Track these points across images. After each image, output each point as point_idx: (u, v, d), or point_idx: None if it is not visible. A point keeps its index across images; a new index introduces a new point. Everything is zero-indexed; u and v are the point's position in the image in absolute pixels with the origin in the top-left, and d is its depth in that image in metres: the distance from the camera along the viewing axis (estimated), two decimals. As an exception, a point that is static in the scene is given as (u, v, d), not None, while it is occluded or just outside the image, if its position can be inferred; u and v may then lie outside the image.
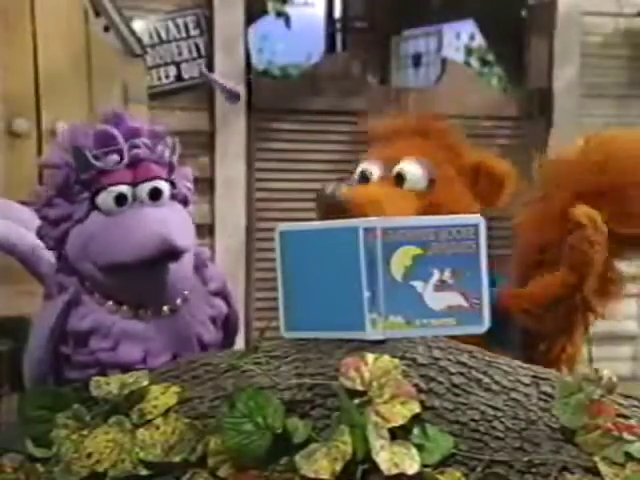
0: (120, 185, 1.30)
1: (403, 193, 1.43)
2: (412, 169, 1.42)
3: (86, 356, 1.30)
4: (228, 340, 1.41)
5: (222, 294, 1.41)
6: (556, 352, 1.44)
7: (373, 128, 1.55)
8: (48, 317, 1.33)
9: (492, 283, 1.30)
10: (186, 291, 1.37)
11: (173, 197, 1.36)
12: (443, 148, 1.49)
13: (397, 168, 1.44)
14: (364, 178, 1.49)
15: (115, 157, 1.30)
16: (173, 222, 1.32)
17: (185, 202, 1.39)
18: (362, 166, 1.49)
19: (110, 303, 1.33)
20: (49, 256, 1.39)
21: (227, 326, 1.42)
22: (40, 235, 1.36)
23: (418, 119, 1.53)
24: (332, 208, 1.38)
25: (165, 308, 1.35)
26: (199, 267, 1.40)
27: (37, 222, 1.37)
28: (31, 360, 1.34)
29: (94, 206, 1.31)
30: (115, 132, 1.32)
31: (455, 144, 1.50)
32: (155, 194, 1.32)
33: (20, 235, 1.44)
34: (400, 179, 1.45)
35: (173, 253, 1.30)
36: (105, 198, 1.30)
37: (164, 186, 1.33)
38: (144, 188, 1.31)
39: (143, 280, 1.31)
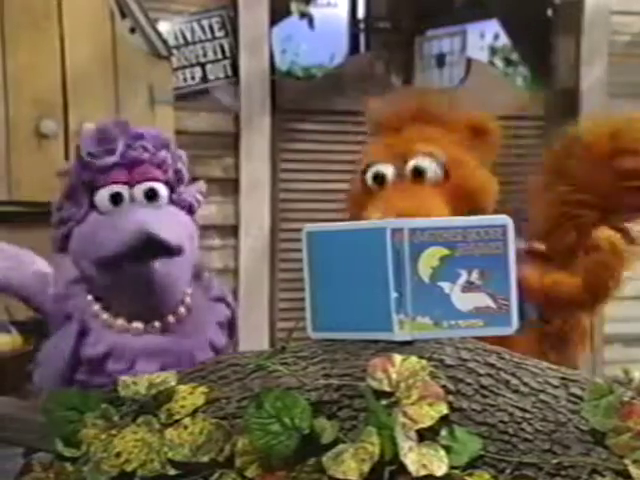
0: (116, 184, 1.32)
1: (427, 191, 1.42)
2: (427, 163, 1.42)
3: (105, 379, 1.31)
4: (231, 344, 1.43)
5: (223, 300, 1.43)
6: (570, 326, 1.47)
7: (373, 120, 1.55)
8: (60, 348, 1.33)
9: None
10: (188, 298, 1.38)
11: (175, 203, 1.36)
12: (441, 125, 1.49)
13: (411, 165, 1.44)
14: (379, 180, 1.48)
15: (112, 157, 1.31)
16: (162, 219, 1.31)
17: (190, 210, 1.39)
18: (374, 169, 1.48)
19: (120, 322, 1.34)
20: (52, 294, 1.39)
21: (230, 331, 1.43)
22: (53, 242, 1.37)
23: (412, 105, 1.53)
24: None
25: (171, 318, 1.35)
26: (198, 276, 1.41)
27: (41, 263, 1.39)
28: (44, 388, 1.35)
29: (93, 206, 1.32)
30: (113, 131, 1.33)
31: (441, 116, 1.50)
32: (151, 195, 1.32)
33: (23, 276, 1.42)
34: (418, 174, 1.44)
35: (154, 244, 1.28)
36: (101, 197, 1.32)
37: (161, 188, 1.33)
38: (140, 189, 1.32)
39: (133, 277, 1.30)
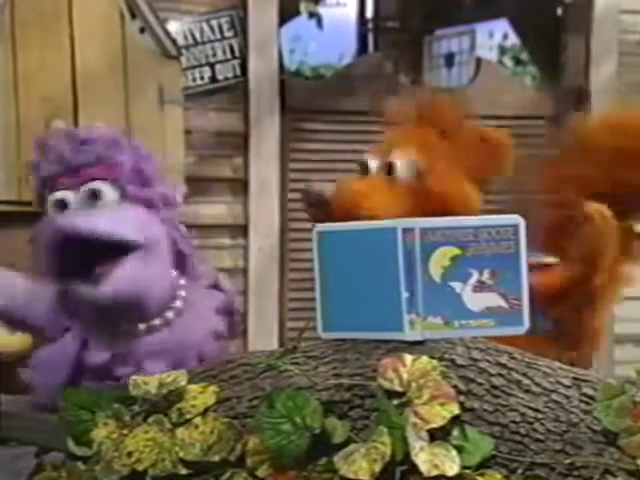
0: (61, 191, 1.31)
1: (391, 183, 1.47)
2: (401, 161, 1.46)
3: (115, 382, 1.31)
4: (233, 329, 1.42)
5: (216, 287, 1.42)
6: (583, 330, 1.48)
7: (386, 116, 1.60)
8: (63, 355, 1.32)
9: None
10: (182, 292, 1.36)
11: (132, 200, 1.32)
12: (439, 131, 1.53)
13: (389, 159, 1.50)
14: (363, 171, 1.56)
15: (53, 166, 1.31)
16: (93, 216, 1.28)
17: (150, 205, 1.34)
18: (363, 158, 1.54)
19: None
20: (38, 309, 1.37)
21: (229, 317, 1.43)
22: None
23: (417, 106, 1.57)
24: (316, 204, 1.45)
25: (170, 314, 1.34)
26: (188, 268, 1.39)
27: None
28: (41, 396, 1.34)
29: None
30: (53, 142, 1.32)
31: (451, 123, 1.54)
32: (93, 196, 1.31)
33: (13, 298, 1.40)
34: (391, 170, 1.49)
35: (77, 239, 1.25)
36: (49, 205, 1.31)
37: (104, 188, 1.31)
38: (83, 191, 1.31)
39: (81, 297, 1.28)
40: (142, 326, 1.33)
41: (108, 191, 1.31)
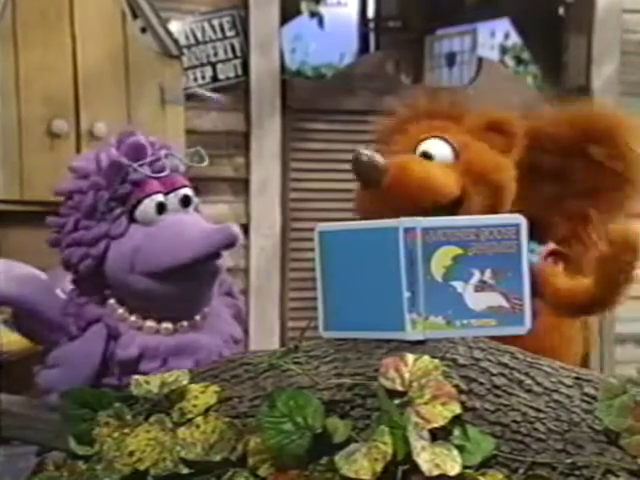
0: (156, 194, 1.34)
1: (436, 164, 1.43)
2: (436, 145, 1.42)
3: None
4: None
5: (231, 294, 1.47)
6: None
7: (383, 125, 1.56)
8: (89, 352, 1.33)
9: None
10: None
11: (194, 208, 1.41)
12: (452, 120, 1.50)
13: (421, 149, 1.45)
14: None
15: (147, 168, 1.34)
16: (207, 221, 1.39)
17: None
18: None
19: (148, 324, 1.35)
20: (54, 301, 1.39)
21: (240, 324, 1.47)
22: (70, 262, 1.35)
23: (421, 105, 1.54)
24: (370, 172, 1.37)
25: (198, 317, 1.38)
26: None
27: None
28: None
29: (132, 219, 1.34)
30: (146, 143, 1.36)
31: (459, 113, 1.51)
32: (186, 201, 1.37)
33: (22, 287, 1.40)
34: (427, 158, 1.45)
35: (232, 240, 1.34)
36: (145, 209, 1.34)
37: (191, 193, 1.38)
38: (175, 196, 1.36)
39: (195, 280, 1.33)
40: (169, 325, 1.35)
41: (194, 197, 1.39)
